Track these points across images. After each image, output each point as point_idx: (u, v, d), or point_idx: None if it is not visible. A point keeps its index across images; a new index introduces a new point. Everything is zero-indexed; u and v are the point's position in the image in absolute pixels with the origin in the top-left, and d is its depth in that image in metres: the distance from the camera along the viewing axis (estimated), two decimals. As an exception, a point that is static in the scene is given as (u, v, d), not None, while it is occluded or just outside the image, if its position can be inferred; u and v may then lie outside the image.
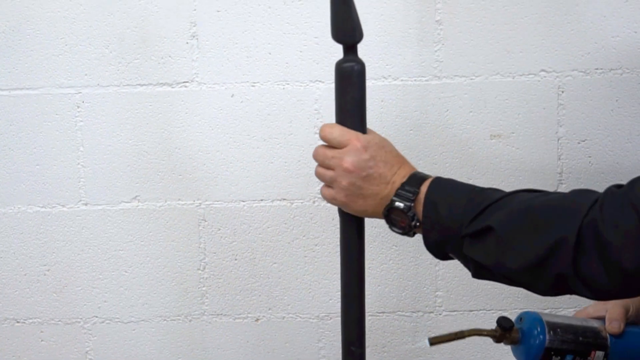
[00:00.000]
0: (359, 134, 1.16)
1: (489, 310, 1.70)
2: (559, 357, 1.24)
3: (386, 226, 1.65)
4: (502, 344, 1.25)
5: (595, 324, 1.28)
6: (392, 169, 1.15)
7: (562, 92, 1.62)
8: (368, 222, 1.63)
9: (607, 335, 1.26)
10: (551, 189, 1.63)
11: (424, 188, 1.12)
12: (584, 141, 1.64)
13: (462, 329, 1.24)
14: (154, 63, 1.63)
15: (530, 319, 1.26)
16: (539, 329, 1.24)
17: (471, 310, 1.71)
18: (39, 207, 1.69)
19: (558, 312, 1.69)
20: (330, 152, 1.16)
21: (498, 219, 1.06)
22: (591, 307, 1.30)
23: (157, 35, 1.62)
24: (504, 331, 1.25)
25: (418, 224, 1.12)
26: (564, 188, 1.64)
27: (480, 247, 1.08)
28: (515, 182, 1.64)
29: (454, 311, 1.71)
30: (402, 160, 1.18)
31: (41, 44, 1.63)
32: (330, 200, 1.19)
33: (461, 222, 1.09)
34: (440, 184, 1.13)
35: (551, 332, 1.23)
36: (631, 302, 1.28)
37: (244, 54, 1.62)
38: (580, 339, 1.25)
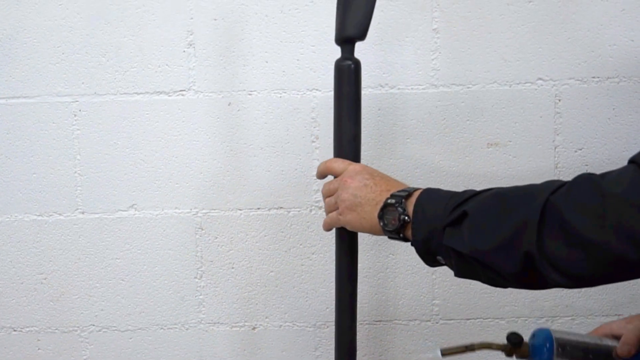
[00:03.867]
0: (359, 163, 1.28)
1: (485, 318, 1.70)
2: None
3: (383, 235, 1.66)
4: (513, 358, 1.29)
5: (610, 343, 1.29)
6: (388, 183, 1.22)
7: (559, 100, 1.62)
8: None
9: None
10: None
11: (416, 193, 1.16)
12: (580, 149, 1.64)
13: (473, 342, 1.27)
14: (151, 71, 1.63)
15: (542, 335, 1.29)
16: (547, 345, 1.27)
17: (468, 319, 1.71)
18: (36, 216, 1.69)
19: (556, 320, 1.69)
20: (334, 180, 1.27)
21: (472, 205, 1.10)
22: (615, 323, 1.33)
23: (154, 43, 1.62)
24: (514, 346, 1.28)
25: (407, 218, 1.14)
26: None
27: (457, 233, 1.10)
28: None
29: (451, 319, 1.71)
30: (399, 182, 1.23)
31: (38, 53, 1.63)
32: (335, 222, 1.26)
33: (443, 216, 1.12)
34: (430, 190, 1.17)
35: (559, 349, 1.26)
36: None
37: (240, 63, 1.62)
38: (590, 356, 1.28)
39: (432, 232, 1.13)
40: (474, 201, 1.10)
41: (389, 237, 1.18)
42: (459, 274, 1.13)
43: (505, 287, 1.12)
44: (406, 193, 1.16)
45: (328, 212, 1.27)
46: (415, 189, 1.17)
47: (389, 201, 1.16)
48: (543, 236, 1.01)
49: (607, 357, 1.28)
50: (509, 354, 1.29)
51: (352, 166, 1.25)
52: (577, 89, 1.62)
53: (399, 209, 1.15)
